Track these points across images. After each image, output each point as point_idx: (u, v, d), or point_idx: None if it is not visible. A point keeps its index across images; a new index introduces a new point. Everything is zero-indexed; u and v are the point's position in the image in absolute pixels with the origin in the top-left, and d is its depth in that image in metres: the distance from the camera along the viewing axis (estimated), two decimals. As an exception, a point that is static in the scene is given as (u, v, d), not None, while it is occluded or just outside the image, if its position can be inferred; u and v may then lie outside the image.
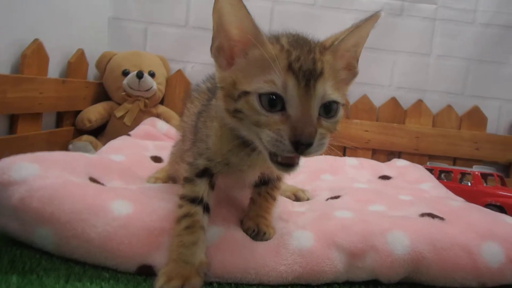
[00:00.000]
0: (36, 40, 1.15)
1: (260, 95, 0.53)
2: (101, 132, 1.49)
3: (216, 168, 0.68)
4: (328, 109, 0.54)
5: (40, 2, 1.18)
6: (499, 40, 1.55)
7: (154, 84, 1.46)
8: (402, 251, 0.67)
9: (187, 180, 0.69)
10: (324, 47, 0.56)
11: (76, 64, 1.39)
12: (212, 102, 0.68)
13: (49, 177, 0.69)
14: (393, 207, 0.88)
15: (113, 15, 1.64)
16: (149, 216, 0.68)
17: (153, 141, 1.34)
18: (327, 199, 0.97)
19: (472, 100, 1.57)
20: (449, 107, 1.56)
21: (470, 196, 1.13)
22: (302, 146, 0.51)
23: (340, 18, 1.59)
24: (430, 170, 1.32)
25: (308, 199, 1.00)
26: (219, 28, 0.57)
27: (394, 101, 1.57)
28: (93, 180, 0.79)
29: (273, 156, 0.56)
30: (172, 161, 0.99)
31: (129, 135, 1.34)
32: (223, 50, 0.59)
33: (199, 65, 1.65)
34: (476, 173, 1.19)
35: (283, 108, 0.53)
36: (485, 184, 1.17)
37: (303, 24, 1.59)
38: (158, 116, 1.53)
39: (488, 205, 1.09)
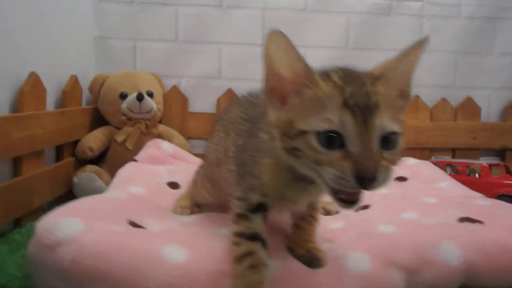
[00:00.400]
0: (33, 73, 1.09)
1: (318, 133, 0.53)
2: (102, 159, 1.44)
3: (271, 202, 0.67)
4: (388, 140, 0.53)
5: (25, 31, 1.11)
6: (483, 31, 1.62)
7: (154, 105, 1.42)
8: (456, 261, 0.69)
9: (241, 216, 0.68)
10: (374, 78, 0.55)
11: (71, 92, 1.32)
12: (261, 138, 0.66)
13: (95, 231, 0.66)
14: (425, 213, 0.90)
15: (98, 34, 1.57)
16: (205, 259, 0.66)
17: (162, 165, 1.31)
18: (357, 211, 0.98)
19: (464, 92, 1.62)
20: (443, 100, 1.61)
21: (480, 189, 1.17)
22: (366, 181, 0.50)
23: (331, 21, 1.60)
24: (437, 164, 1.36)
25: (337, 212, 1.00)
26: (270, 71, 0.57)
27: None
28: (133, 224, 0.76)
29: (335, 193, 0.55)
30: (197, 186, 0.97)
31: (135, 160, 1.29)
32: (276, 91, 0.58)
33: (193, 79, 1.62)
34: (485, 165, 1.23)
35: (342, 145, 0.52)
36: (493, 175, 1.21)
37: (295, 29, 1.62)
38: (159, 136, 1.49)
39: (501, 196, 1.13)
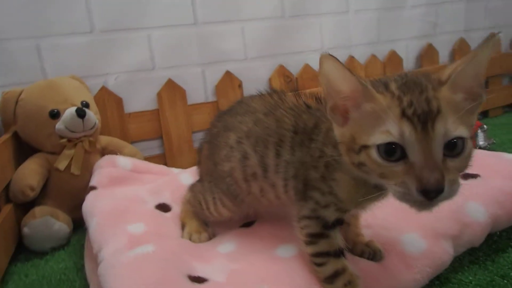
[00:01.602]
0: None
1: (378, 147, 0.52)
2: (41, 195, 1.15)
3: (348, 216, 0.68)
4: (453, 146, 0.52)
5: None
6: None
7: (96, 118, 1.17)
8: (483, 218, 0.80)
9: (318, 236, 0.67)
10: (439, 83, 0.54)
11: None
12: (325, 152, 0.64)
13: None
14: None
15: (-15, 37, 1.19)
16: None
17: (126, 186, 1.12)
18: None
19: (387, 46, 1.75)
20: (373, 56, 1.72)
21: None
22: (431, 193, 0.50)
23: (310, 24, 1.57)
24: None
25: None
26: (329, 90, 0.57)
27: (330, 63, 1.63)
28: (194, 279, 0.67)
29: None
30: (208, 206, 0.89)
31: (94, 188, 1.08)
32: (337, 109, 0.58)
33: (123, 74, 1.38)
34: None
35: (404, 157, 0.52)
36: None
37: (276, 37, 1.52)
38: (103, 150, 1.26)
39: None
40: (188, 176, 1.13)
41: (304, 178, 0.68)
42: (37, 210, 1.05)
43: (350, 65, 1.66)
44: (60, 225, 1.06)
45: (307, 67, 1.58)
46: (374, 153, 0.52)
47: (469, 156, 0.54)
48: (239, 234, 0.88)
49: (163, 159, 1.43)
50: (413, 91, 0.53)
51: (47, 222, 1.04)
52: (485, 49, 0.55)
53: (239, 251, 0.80)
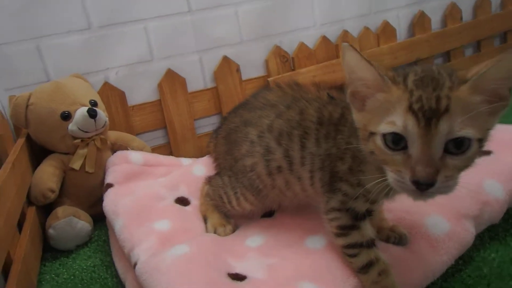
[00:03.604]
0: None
1: (383, 135, 0.56)
2: (59, 195, 1.20)
3: (377, 206, 0.71)
4: (458, 145, 0.53)
5: None
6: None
7: (105, 115, 1.21)
8: (501, 194, 0.83)
9: (348, 227, 0.70)
10: (460, 81, 0.55)
11: (4, 135, 1.04)
12: (351, 144, 0.66)
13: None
14: None
15: (-15, 43, 1.20)
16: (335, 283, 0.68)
17: (141, 180, 1.17)
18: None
19: (379, 16, 1.75)
20: (366, 28, 1.73)
21: None
22: (422, 185, 0.53)
23: (302, 2, 1.55)
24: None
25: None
26: (351, 76, 0.61)
27: (325, 39, 1.65)
28: (233, 276, 0.73)
29: None
30: (230, 200, 0.92)
31: (111, 185, 1.14)
32: (357, 94, 0.61)
33: (124, 68, 1.40)
34: None
35: (405, 147, 0.55)
36: None
37: (269, 17, 1.52)
38: (113, 146, 1.30)
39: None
40: (200, 167, 1.18)
41: (331, 170, 0.71)
42: (60, 211, 1.11)
43: (344, 39, 1.68)
44: (83, 224, 1.12)
45: (302, 46, 1.60)
46: (379, 140, 0.57)
47: (472, 157, 0.55)
48: (263, 225, 0.91)
49: (168, 148, 1.48)
50: (427, 87, 0.54)
51: (70, 222, 1.10)
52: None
53: (268, 244, 0.83)
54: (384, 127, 0.55)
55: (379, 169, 0.62)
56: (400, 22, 1.82)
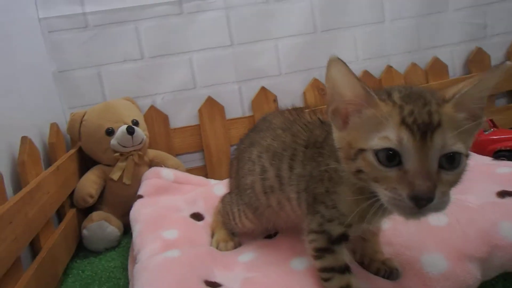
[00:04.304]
0: (25, 138, 0.99)
1: (376, 152, 0.54)
2: (99, 201, 1.35)
3: (353, 231, 0.68)
4: (450, 160, 0.53)
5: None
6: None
7: (143, 134, 1.35)
8: None
9: (324, 251, 0.68)
10: (443, 100, 0.55)
11: (57, 142, 1.22)
12: (330, 165, 0.66)
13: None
14: (460, 190, 0.93)
15: (56, 68, 1.43)
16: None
17: (171, 195, 1.26)
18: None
19: (429, 52, 1.70)
20: (413, 64, 1.69)
21: (475, 148, 1.24)
22: (422, 201, 0.51)
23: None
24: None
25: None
26: (333, 93, 0.59)
27: (367, 74, 1.64)
28: (209, 284, 0.75)
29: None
30: (234, 217, 0.95)
31: (141, 196, 1.24)
32: (339, 112, 0.60)
33: (169, 94, 1.55)
34: None
35: (399, 163, 0.53)
36: (485, 132, 1.29)
37: (309, 52, 1.59)
38: (151, 162, 1.43)
39: (499, 152, 1.22)
40: (222, 187, 1.24)
41: (313, 192, 0.71)
42: (94, 215, 1.24)
43: (388, 75, 1.66)
44: (112, 229, 1.24)
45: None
46: (370, 157, 0.54)
47: (462, 173, 0.55)
48: (260, 245, 0.93)
49: (204, 170, 1.57)
50: (416, 102, 0.54)
51: (101, 226, 1.22)
52: (493, 75, 0.55)
53: (256, 261, 0.85)
54: (377, 143, 0.53)
55: (354, 191, 0.61)
56: (454, 59, 1.74)
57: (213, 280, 0.77)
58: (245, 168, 0.89)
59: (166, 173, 1.35)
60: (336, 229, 0.67)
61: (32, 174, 0.99)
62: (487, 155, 1.24)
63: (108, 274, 1.08)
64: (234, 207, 0.95)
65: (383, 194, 0.54)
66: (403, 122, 0.53)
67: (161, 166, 1.41)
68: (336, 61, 0.56)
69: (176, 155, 1.55)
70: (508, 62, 0.55)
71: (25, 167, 0.95)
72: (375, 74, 1.66)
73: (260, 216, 0.89)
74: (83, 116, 1.34)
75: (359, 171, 0.57)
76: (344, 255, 0.68)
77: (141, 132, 1.32)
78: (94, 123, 1.32)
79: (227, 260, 0.88)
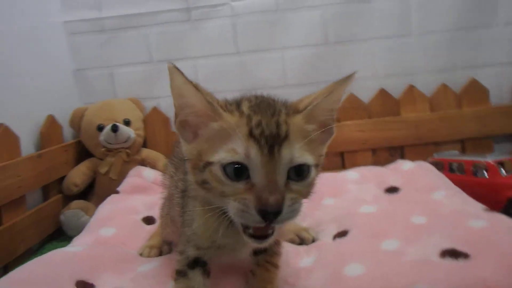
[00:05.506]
0: (0, 125, 1.10)
1: (224, 166, 0.51)
2: (91, 191, 1.43)
3: (207, 255, 0.64)
4: (299, 171, 0.52)
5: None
6: (479, 2, 1.43)
7: (131, 133, 1.40)
8: None
9: (180, 274, 0.65)
10: (294, 110, 0.54)
11: (49, 132, 1.32)
12: (189, 178, 0.62)
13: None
14: (408, 240, 0.79)
15: (76, 67, 1.56)
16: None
17: (144, 194, 1.28)
18: (335, 237, 0.90)
19: (466, 73, 1.46)
20: (444, 85, 1.46)
21: (489, 191, 1.04)
22: (269, 215, 0.48)
23: (306, 17, 1.49)
24: (439, 163, 1.22)
25: (313, 240, 0.93)
26: (180, 104, 0.57)
27: (383, 92, 1.47)
28: (82, 284, 0.74)
29: (245, 228, 0.54)
30: (163, 224, 0.93)
31: (117, 192, 1.28)
32: (187, 124, 0.57)
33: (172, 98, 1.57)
34: (492, 163, 1.07)
35: (247, 177, 0.51)
36: (503, 174, 1.05)
37: (268, 32, 1.51)
38: (142, 161, 1.47)
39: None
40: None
41: (181, 208, 0.68)
42: (74, 203, 1.32)
43: (408, 95, 1.46)
44: (87, 218, 1.29)
45: (351, 97, 1.47)
46: (217, 170, 0.52)
47: (312, 183, 0.55)
48: (169, 260, 0.89)
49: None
50: (265, 113, 0.53)
51: (77, 214, 1.29)
52: (342, 87, 0.56)
53: (153, 271, 0.82)
54: (224, 156, 0.51)
55: (203, 205, 0.58)
56: (499, 82, 1.46)
57: (89, 282, 0.76)
58: (166, 172, 0.87)
59: (147, 173, 1.38)
60: (191, 252, 0.64)
61: (2, 158, 1.08)
62: (500, 201, 1.02)
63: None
64: (163, 212, 0.93)
65: (232, 205, 0.52)
66: (250, 134, 0.51)
67: (151, 166, 1.44)
68: (173, 70, 0.54)
69: (175, 157, 1.57)
70: (355, 73, 0.55)
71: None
72: (394, 94, 1.48)
73: (168, 223, 0.86)
74: (84, 111, 1.44)
75: (205, 182, 0.54)
76: (196, 283, 0.64)
77: (126, 131, 1.37)
78: (89, 119, 1.41)
79: (127, 266, 0.85)
